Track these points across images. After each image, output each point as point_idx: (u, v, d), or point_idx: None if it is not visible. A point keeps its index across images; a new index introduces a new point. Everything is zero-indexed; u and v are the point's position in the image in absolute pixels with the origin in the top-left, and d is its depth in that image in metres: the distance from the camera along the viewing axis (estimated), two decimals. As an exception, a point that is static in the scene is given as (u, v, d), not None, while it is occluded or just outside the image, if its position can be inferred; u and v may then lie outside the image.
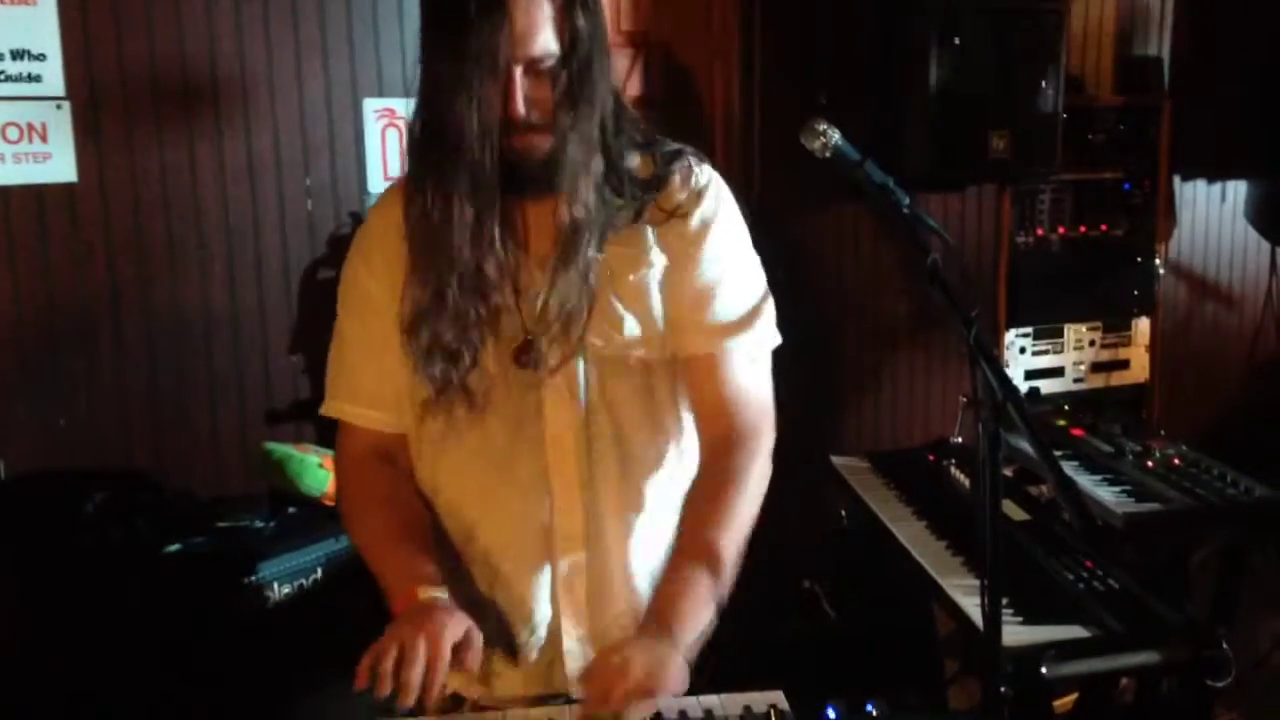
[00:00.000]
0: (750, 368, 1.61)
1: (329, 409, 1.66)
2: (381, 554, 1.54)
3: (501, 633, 1.62)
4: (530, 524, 1.58)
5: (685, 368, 1.61)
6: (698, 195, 1.57)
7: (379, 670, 1.34)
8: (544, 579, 1.60)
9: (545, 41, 1.40)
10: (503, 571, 1.61)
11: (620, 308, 1.54)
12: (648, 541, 1.62)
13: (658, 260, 1.56)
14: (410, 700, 1.33)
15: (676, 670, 1.35)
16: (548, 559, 1.59)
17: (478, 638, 1.42)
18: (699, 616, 1.44)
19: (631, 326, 1.55)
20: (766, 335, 1.63)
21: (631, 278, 1.55)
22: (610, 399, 1.57)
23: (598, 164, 1.48)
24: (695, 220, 1.56)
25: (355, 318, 1.62)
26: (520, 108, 1.41)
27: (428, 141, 1.47)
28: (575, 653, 1.61)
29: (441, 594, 1.47)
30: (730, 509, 1.54)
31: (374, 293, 1.57)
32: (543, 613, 1.61)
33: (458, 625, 1.40)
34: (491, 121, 1.41)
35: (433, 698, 1.35)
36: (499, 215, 1.48)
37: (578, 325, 1.50)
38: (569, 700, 1.57)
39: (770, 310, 1.63)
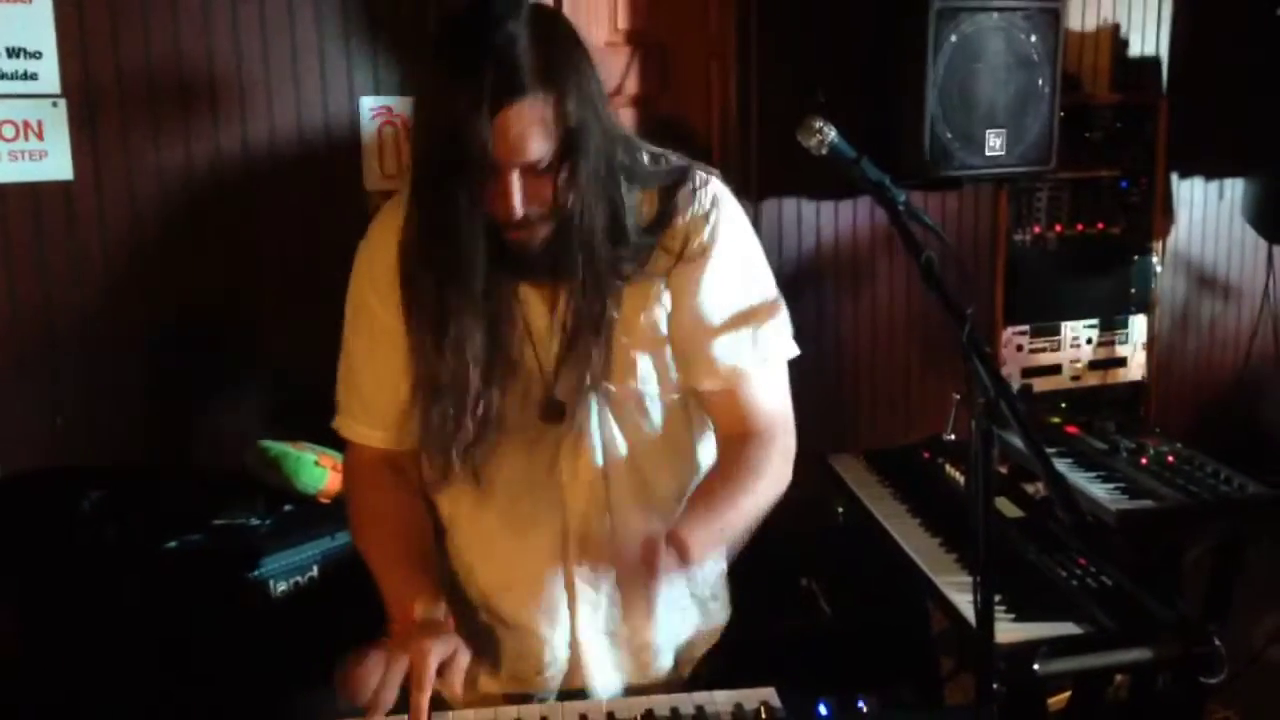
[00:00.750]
0: (767, 382, 1.62)
1: (342, 427, 1.67)
2: (384, 568, 1.56)
3: (513, 671, 1.65)
4: (543, 561, 1.60)
5: (702, 398, 1.62)
6: (698, 226, 1.55)
7: (355, 688, 1.37)
8: (562, 627, 1.62)
9: (537, 145, 1.37)
10: (507, 607, 1.64)
11: (633, 352, 1.55)
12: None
13: (667, 300, 1.56)
14: (376, 709, 1.36)
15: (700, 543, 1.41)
16: (567, 608, 1.61)
17: (464, 657, 1.43)
18: (714, 540, 1.48)
19: (645, 369, 1.56)
20: (780, 347, 1.63)
21: (642, 320, 1.55)
22: (628, 440, 1.58)
23: (602, 237, 1.46)
24: (695, 249, 1.55)
25: (363, 339, 1.62)
26: (517, 209, 1.40)
27: (426, 235, 1.45)
28: (602, 688, 1.63)
29: (438, 611, 1.48)
30: (740, 490, 1.54)
31: (380, 314, 1.57)
32: (560, 654, 1.63)
33: (445, 644, 1.41)
34: (486, 220, 1.40)
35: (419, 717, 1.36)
36: (507, 296, 1.49)
37: (592, 375, 1.51)
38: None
39: (783, 322, 1.63)
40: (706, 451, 1.68)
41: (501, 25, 1.35)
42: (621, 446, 1.58)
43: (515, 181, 1.38)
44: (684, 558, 1.40)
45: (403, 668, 1.38)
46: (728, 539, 1.55)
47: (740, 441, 1.59)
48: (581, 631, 1.62)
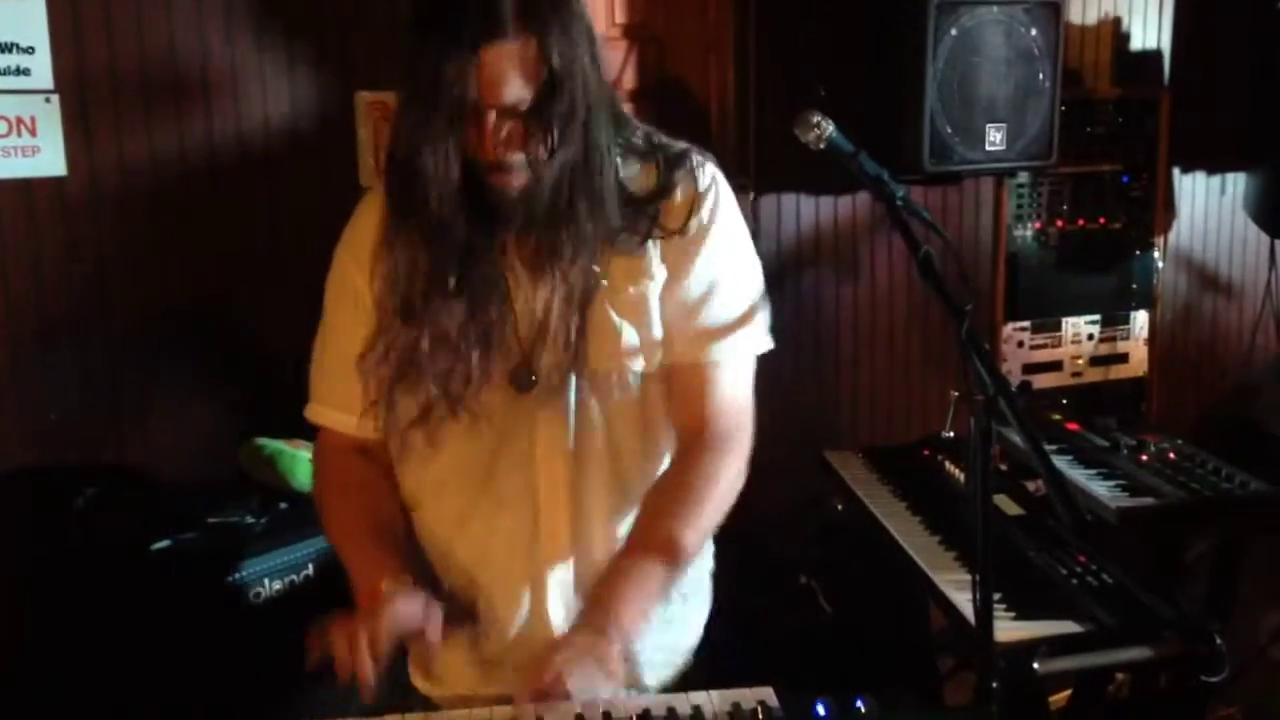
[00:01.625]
0: (734, 375, 1.59)
1: (313, 414, 1.65)
2: (351, 547, 1.55)
3: (486, 637, 1.62)
4: (513, 540, 1.58)
5: (670, 373, 1.59)
6: (696, 204, 1.55)
7: (326, 644, 1.36)
8: (525, 593, 1.59)
9: (516, 88, 1.36)
10: (481, 584, 1.61)
11: (617, 320, 1.53)
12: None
13: (659, 273, 1.54)
14: (360, 666, 1.34)
15: (615, 668, 1.37)
16: (530, 574, 1.59)
17: (436, 618, 1.42)
18: (646, 609, 1.44)
19: (630, 338, 1.54)
20: (756, 342, 1.61)
21: (631, 290, 1.53)
22: (605, 416, 1.56)
23: (588, 189, 1.44)
24: (692, 228, 1.54)
25: (343, 318, 1.60)
26: (496, 150, 1.39)
27: (407, 178, 1.43)
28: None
29: (405, 584, 1.46)
30: (695, 505, 1.53)
31: (364, 293, 1.55)
32: (523, 624, 1.60)
33: (414, 605, 1.41)
34: (466, 163, 1.39)
35: (376, 660, 1.35)
36: (488, 244, 1.47)
37: (573, 344, 1.49)
38: None
39: (764, 316, 1.62)
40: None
41: None
42: (598, 425, 1.55)
43: (493, 122, 1.38)
44: (625, 632, 1.41)
45: (370, 624, 1.37)
46: (679, 570, 1.52)
47: (698, 445, 1.57)
48: (552, 624, 1.60)
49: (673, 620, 1.68)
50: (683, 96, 3.32)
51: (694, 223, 1.54)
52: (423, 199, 1.41)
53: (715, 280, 1.57)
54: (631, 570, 1.47)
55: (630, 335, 1.54)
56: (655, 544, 1.49)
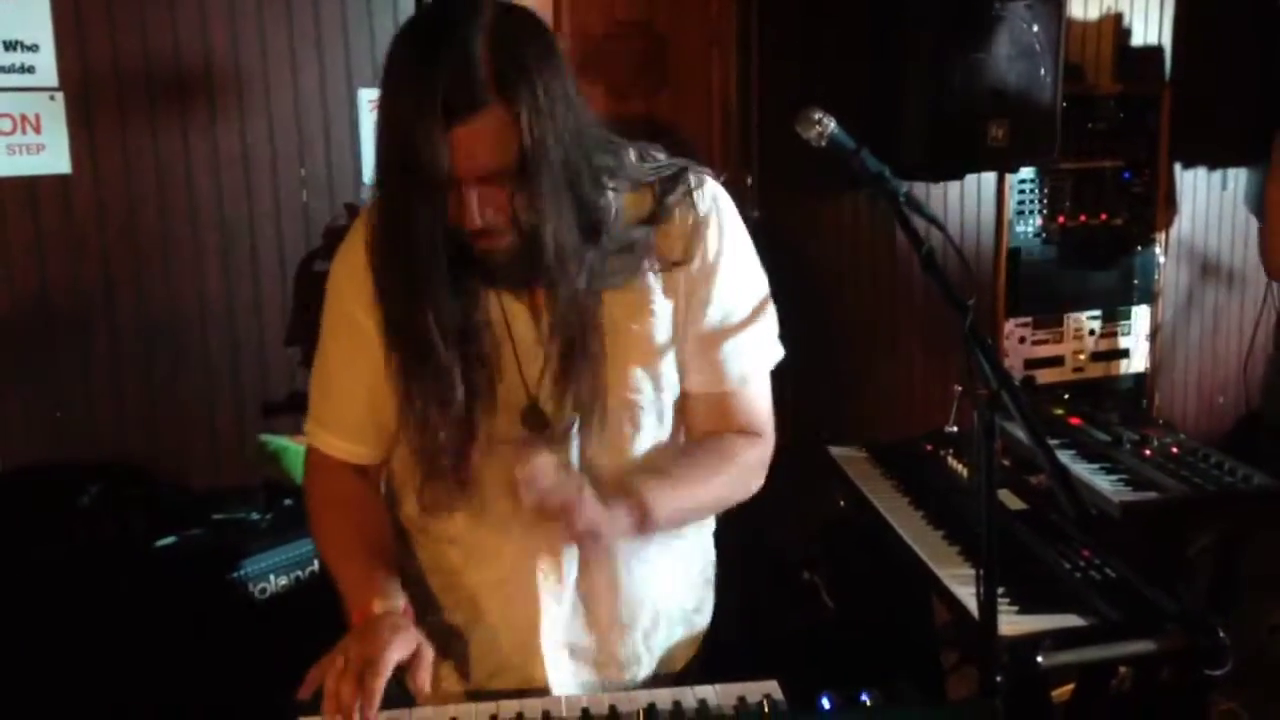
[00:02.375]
0: (757, 391, 1.61)
1: (314, 438, 1.64)
2: (342, 562, 1.54)
3: (477, 661, 1.63)
4: (519, 570, 1.57)
5: (694, 401, 1.59)
6: (700, 234, 1.52)
7: (323, 686, 1.34)
8: (523, 625, 1.59)
9: (494, 160, 1.33)
10: (482, 608, 1.61)
11: (624, 361, 1.52)
12: (640, 581, 1.62)
13: (662, 309, 1.53)
14: (338, 714, 1.33)
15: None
16: (528, 609, 1.58)
17: (428, 653, 1.41)
18: (599, 533, 1.45)
19: (638, 379, 1.53)
20: (772, 355, 1.62)
21: (635, 328, 1.51)
22: (611, 453, 1.54)
23: (577, 244, 1.42)
24: (698, 261, 1.52)
25: (341, 345, 1.58)
26: (476, 219, 1.36)
27: (391, 247, 1.42)
28: (557, 680, 1.60)
29: (397, 605, 1.46)
30: (717, 469, 1.55)
31: (362, 322, 1.52)
32: (518, 654, 1.60)
33: (406, 641, 1.39)
34: (448, 232, 1.38)
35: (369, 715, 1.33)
36: (483, 298, 1.47)
37: (575, 383, 1.48)
38: None
39: (775, 326, 1.62)
40: None
41: (459, 31, 1.32)
42: (605, 463, 1.54)
43: (472, 194, 1.35)
44: (644, 522, 1.44)
45: (358, 658, 1.35)
46: (689, 514, 1.55)
47: (720, 435, 1.58)
48: (544, 643, 1.59)
49: (675, 609, 1.68)
50: (684, 93, 3.32)
51: (700, 253, 1.52)
52: (407, 264, 1.40)
53: (730, 308, 1.56)
54: (671, 473, 1.50)
55: (638, 374, 1.53)
56: (670, 478, 1.51)
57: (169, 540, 2.37)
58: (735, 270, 1.56)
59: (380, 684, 1.34)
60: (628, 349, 1.51)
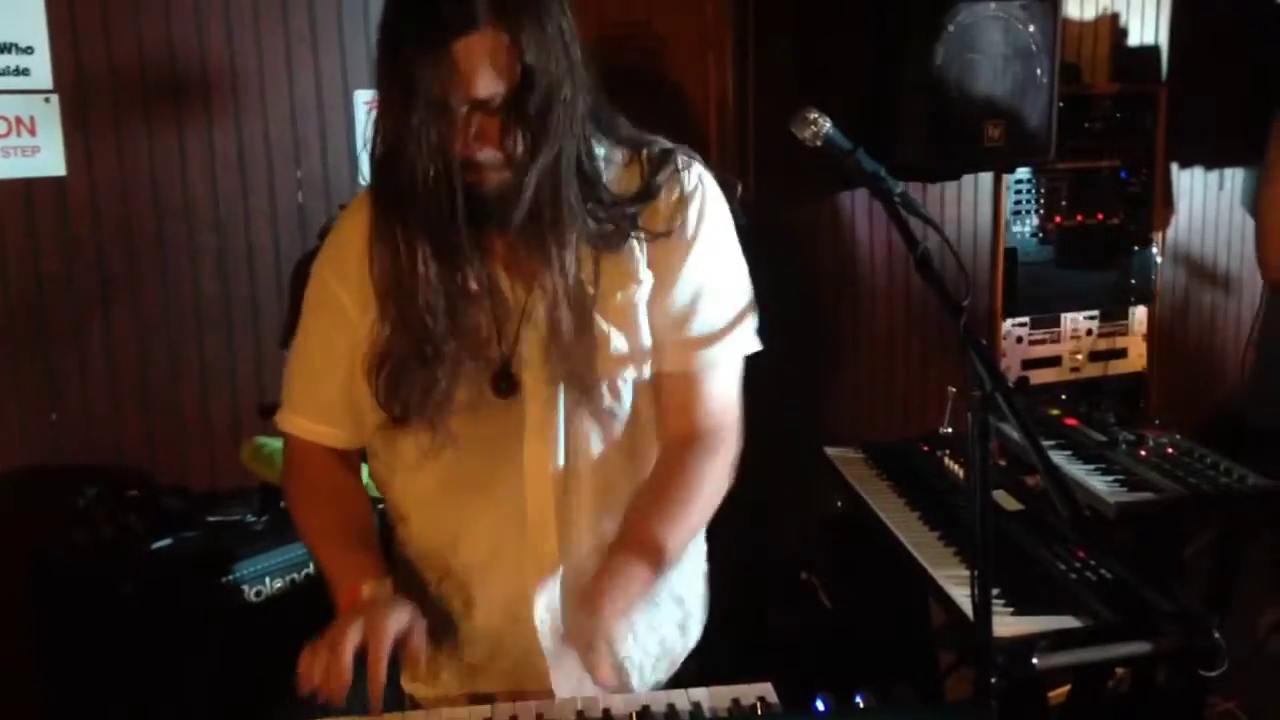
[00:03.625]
0: (723, 379, 1.59)
1: (285, 422, 1.62)
2: (328, 549, 1.53)
3: (471, 644, 1.62)
4: (505, 545, 1.57)
5: (658, 381, 1.58)
6: (682, 208, 1.53)
7: (304, 670, 1.33)
8: (511, 601, 1.58)
9: (489, 82, 1.34)
10: (474, 590, 1.60)
11: (606, 326, 1.51)
12: None
13: (646, 279, 1.53)
14: (336, 690, 1.32)
15: (601, 662, 1.36)
16: (517, 582, 1.57)
17: (421, 626, 1.41)
18: (627, 608, 1.43)
19: (619, 345, 1.52)
20: (744, 345, 1.60)
21: (619, 296, 1.51)
22: (593, 424, 1.55)
23: (567, 191, 1.42)
24: (678, 235, 1.53)
25: (322, 326, 1.58)
26: (470, 147, 1.37)
27: (386, 177, 1.42)
28: (555, 661, 1.59)
29: (385, 586, 1.45)
30: (681, 507, 1.52)
31: (345, 303, 1.53)
32: (508, 630, 1.60)
33: (400, 615, 1.39)
34: (443, 161, 1.37)
35: (377, 691, 1.33)
36: (470, 246, 1.44)
37: (558, 349, 1.47)
38: None
39: (753, 319, 1.61)
40: None
41: None
42: (587, 433, 1.54)
43: (466, 119, 1.36)
44: (660, 566, 1.44)
45: (356, 635, 1.34)
46: (663, 572, 1.51)
47: (683, 445, 1.56)
48: (538, 621, 1.58)
49: (665, 622, 1.67)
50: (681, 94, 3.32)
51: (679, 227, 1.53)
52: (408, 196, 1.39)
53: (701, 287, 1.55)
54: (615, 569, 1.45)
55: (619, 342, 1.52)
56: (640, 545, 1.47)
57: (164, 542, 2.37)
58: (710, 252, 1.55)
59: (383, 666, 1.33)
60: (613, 317, 1.51)
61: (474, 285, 1.47)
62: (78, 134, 2.62)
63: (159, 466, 2.76)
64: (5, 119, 2.55)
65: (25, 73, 2.55)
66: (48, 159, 2.60)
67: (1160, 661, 2.04)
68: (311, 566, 2.44)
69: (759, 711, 1.39)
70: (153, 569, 2.34)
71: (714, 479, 1.56)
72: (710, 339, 1.56)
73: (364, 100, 2.87)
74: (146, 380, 2.76)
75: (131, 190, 2.70)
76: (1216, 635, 1.83)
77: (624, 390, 1.55)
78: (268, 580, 2.38)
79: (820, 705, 1.37)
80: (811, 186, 3.35)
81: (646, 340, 1.54)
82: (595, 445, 1.56)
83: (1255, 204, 3.76)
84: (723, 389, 1.59)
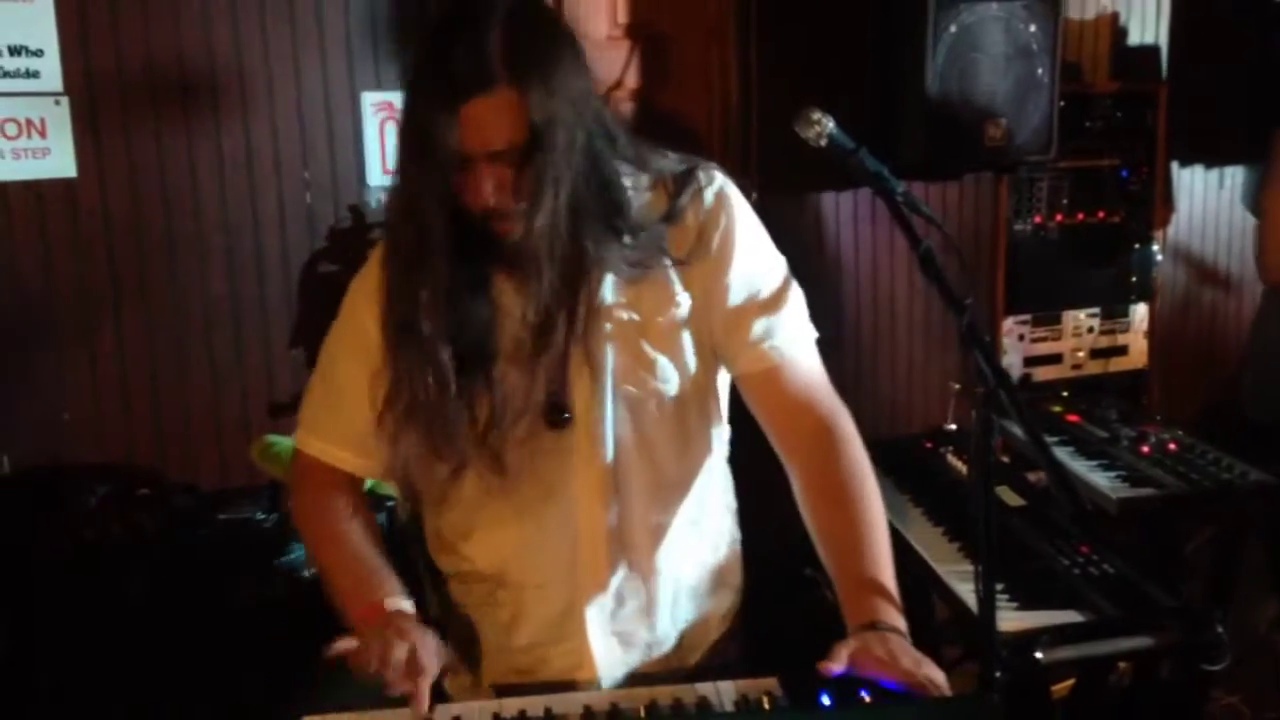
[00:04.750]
0: (807, 360, 1.63)
1: (308, 447, 1.65)
2: (339, 564, 1.56)
3: (522, 653, 1.64)
4: (556, 562, 1.59)
5: (745, 383, 1.62)
6: (711, 225, 1.57)
7: (357, 672, 1.36)
8: (570, 610, 1.61)
9: (505, 137, 1.39)
10: (526, 606, 1.63)
11: (652, 352, 1.55)
12: (672, 565, 1.64)
13: (684, 300, 1.57)
14: (399, 682, 1.35)
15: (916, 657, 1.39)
16: (574, 591, 1.60)
17: (440, 649, 1.44)
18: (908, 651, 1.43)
19: (665, 368, 1.56)
20: (807, 328, 1.65)
21: (660, 320, 1.56)
22: (643, 438, 1.58)
23: (589, 228, 1.46)
24: (714, 249, 1.57)
25: (349, 357, 1.60)
26: (486, 196, 1.42)
27: (399, 227, 1.47)
28: (605, 668, 1.62)
29: (407, 605, 1.48)
30: (868, 529, 1.55)
31: (373, 335, 1.55)
32: (568, 638, 1.62)
33: (428, 637, 1.42)
34: (448, 215, 1.43)
35: (422, 708, 1.36)
36: (500, 289, 1.50)
37: (603, 377, 1.52)
38: None
39: (802, 304, 1.65)
40: (720, 435, 1.69)
41: (476, 20, 1.39)
42: (634, 444, 1.58)
43: (484, 171, 1.41)
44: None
45: (404, 648, 1.37)
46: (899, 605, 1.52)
47: (821, 446, 1.58)
48: (590, 633, 1.61)
49: (720, 596, 1.71)
50: (684, 94, 3.33)
51: (712, 244, 1.57)
52: (420, 247, 1.45)
53: (754, 287, 1.59)
54: (878, 640, 1.43)
55: (665, 365, 1.56)
56: (876, 600, 1.48)
57: (176, 542, 2.38)
58: (750, 253, 1.60)
59: (428, 684, 1.36)
60: (656, 341, 1.55)
61: (496, 321, 1.51)
62: (88, 136, 2.64)
63: (169, 465, 2.78)
64: (16, 121, 2.57)
65: (36, 75, 2.57)
66: (58, 161, 2.61)
67: (1163, 656, 2.05)
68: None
69: (765, 707, 1.40)
70: (163, 567, 2.35)
71: (864, 464, 1.60)
72: (777, 327, 1.60)
73: (371, 102, 2.89)
74: (157, 379, 2.77)
75: (141, 192, 2.72)
76: (1219, 629, 1.84)
77: (666, 401, 1.58)
78: (279, 579, 2.39)
79: (825, 700, 1.38)
80: (814, 185, 3.36)
81: (689, 360, 1.58)
82: (642, 449, 1.59)
83: (1257, 205, 3.78)
84: (812, 369, 1.63)
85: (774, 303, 1.60)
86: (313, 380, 1.67)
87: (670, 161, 1.59)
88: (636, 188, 1.55)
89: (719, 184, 1.60)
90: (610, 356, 1.53)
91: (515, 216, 1.44)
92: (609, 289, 1.52)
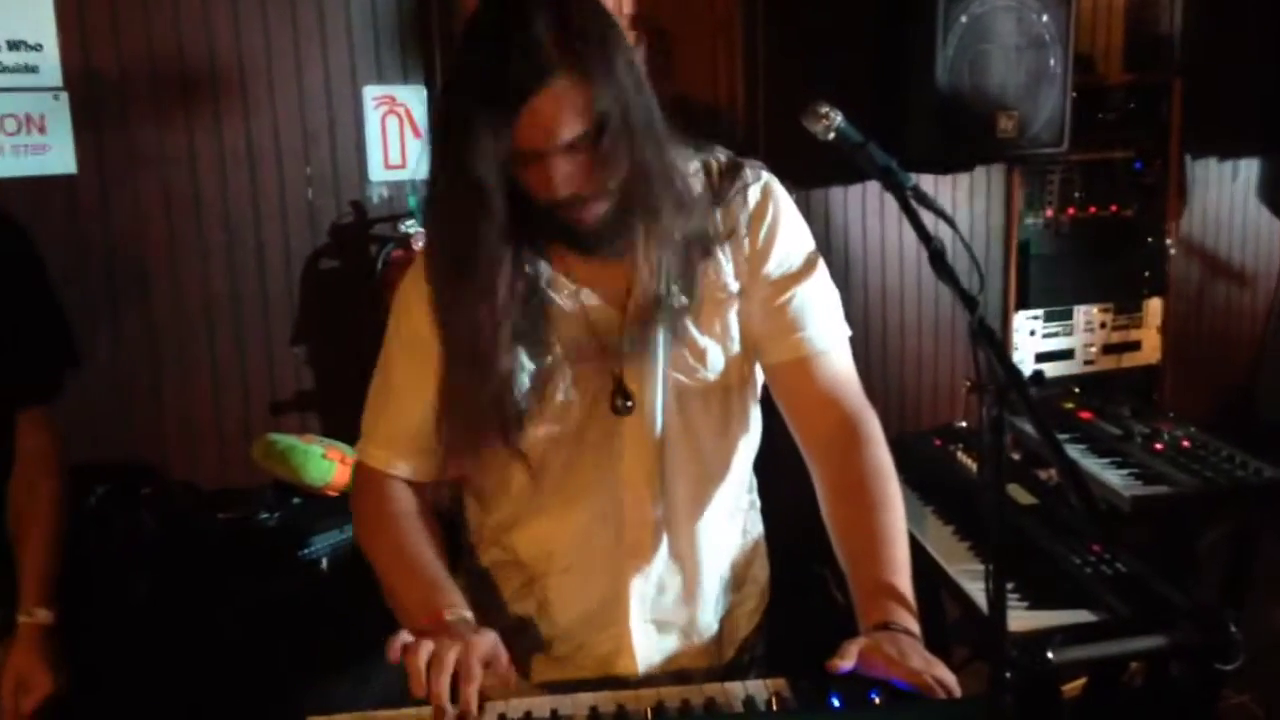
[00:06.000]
0: (839, 357, 1.62)
1: (369, 457, 1.64)
2: (401, 574, 1.55)
3: (564, 640, 1.65)
4: (601, 549, 1.60)
5: (775, 374, 1.62)
6: (760, 217, 1.59)
7: (412, 667, 1.33)
8: (614, 596, 1.61)
9: (571, 127, 1.37)
10: (568, 591, 1.63)
11: (702, 340, 1.56)
12: (711, 555, 1.65)
13: (733, 287, 1.58)
14: (446, 706, 1.32)
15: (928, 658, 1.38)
16: (617, 578, 1.61)
17: (504, 652, 1.41)
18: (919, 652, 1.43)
19: (715, 355, 1.57)
20: (842, 326, 1.65)
21: (709, 306, 1.57)
22: (688, 425, 1.59)
23: (661, 209, 1.46)
24: (760, 240, 1.58)
25: (407, 362, 1.59)
26: (560, 188, 1.41)
27: (456, 236, 1.46)
28: (644, 656, 1.63)
29: (467, 615, 1.47)
30: (888, 533, 1.54)
31: (429, 340, 1.54)
32: (609, 623, 1.62)
33: (486, 639, 1.40)
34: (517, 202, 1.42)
35: (471, 711, 1.33)
36: (565, 270, 1.51)
37: (657, 364, 1.53)
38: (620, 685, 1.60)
39: (838, 304, 1.65)
40: (753, 432, 1.69)
41: (522, 9, 1.37)
42: (680, 427, 1.59)
43: (556, 163, 1.40)
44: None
45: (452, 653, 1.35)
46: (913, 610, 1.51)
47: (848, 452, 1.58)
48: (632, 621, 1.62)
49: (746, 592, 1.73)
50: (691, 87, 3.31)
51: (759, 235, 1.58)
52: (474, 245, 1.44)
53: (791, 278, 1.60)
54: (888, 640, 1.43)
55: (715, 352, 1.57)
56: (890, 602, 1.48)
57: (177, 541, 2.37)
58: (792, 247, 1.61)
59: (475, 690, 1.34)
60: (706, 327, 1.56)
61: (567, 307, 1.52)
62: (87, 132, 2.63)
63: (170, 464, 2.77)
64: (15, 117, 2.55)
65: (35, 70, 2.56)
66: (58, 156, 2.60)
67: (1176, 655, 2.03)
68: (324, 563, 2.44)
69: (774, 708, 1.38)
70: (164, 567, 2.34)
71: (888, 464, 1.59)
72: (815, 319, 1.60)
73: (373, 96, 2.87)
74: (157, 378, 2.76)
75: (141, 188, 2.70)
76: (1233, 629, 1.82)
77: (719, 395, 1.60)
78: (280, 578, 2.38)
79: (835, 701, 1.37)
80: (822, 180, 3.34)
81: (735, 346, 1.59)
82: (688, 435, 1.60)
83: (1271, 194, 3.75)
84: (844, 367, 1.63)
85: (810, 297, 1.61)
86: (371, 390, 1.65)
87: (716, 152, 1.61)
88: (687, 161, 1.56)
89: (765, 179, 1.62)
90: (662, 342, 1.53)
91: (589, 201, 1.43)
92: (663, 273, 1.52)
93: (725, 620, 1.70)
